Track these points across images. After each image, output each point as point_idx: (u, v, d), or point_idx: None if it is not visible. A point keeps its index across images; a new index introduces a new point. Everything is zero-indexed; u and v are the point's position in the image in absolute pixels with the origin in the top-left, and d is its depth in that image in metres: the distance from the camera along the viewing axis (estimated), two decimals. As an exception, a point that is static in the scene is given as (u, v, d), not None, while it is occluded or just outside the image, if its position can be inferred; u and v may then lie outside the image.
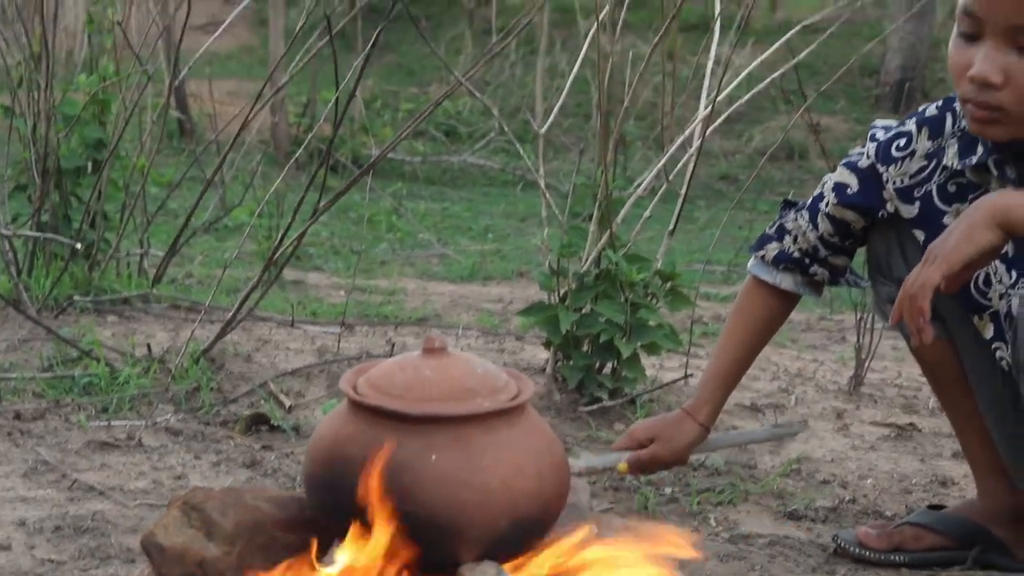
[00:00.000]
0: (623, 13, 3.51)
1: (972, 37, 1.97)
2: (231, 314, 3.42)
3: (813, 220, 2.33)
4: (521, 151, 3.90)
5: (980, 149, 2.11)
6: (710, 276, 6.53)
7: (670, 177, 3.48)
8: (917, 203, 2.21)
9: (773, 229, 2.40)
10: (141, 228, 4.47)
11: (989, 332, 2.17)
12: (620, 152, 9.32)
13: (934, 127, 2.21)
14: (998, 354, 2.17)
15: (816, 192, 2.35)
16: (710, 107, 3.36)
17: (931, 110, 2.24)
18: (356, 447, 1.69)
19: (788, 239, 2.36)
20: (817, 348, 4.55)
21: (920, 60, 12.21)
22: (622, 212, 3.37)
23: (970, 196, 2.11)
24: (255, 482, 2.58)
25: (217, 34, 4.59)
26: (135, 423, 2.89)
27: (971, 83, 1.96)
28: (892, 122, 2.33)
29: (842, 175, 2.31)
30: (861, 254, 2.43)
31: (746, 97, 3.68)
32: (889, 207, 2.25)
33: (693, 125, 3.48)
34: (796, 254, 2.35)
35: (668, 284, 3.27)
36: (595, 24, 3.36)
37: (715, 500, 2.67)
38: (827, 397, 3.65)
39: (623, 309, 3.17)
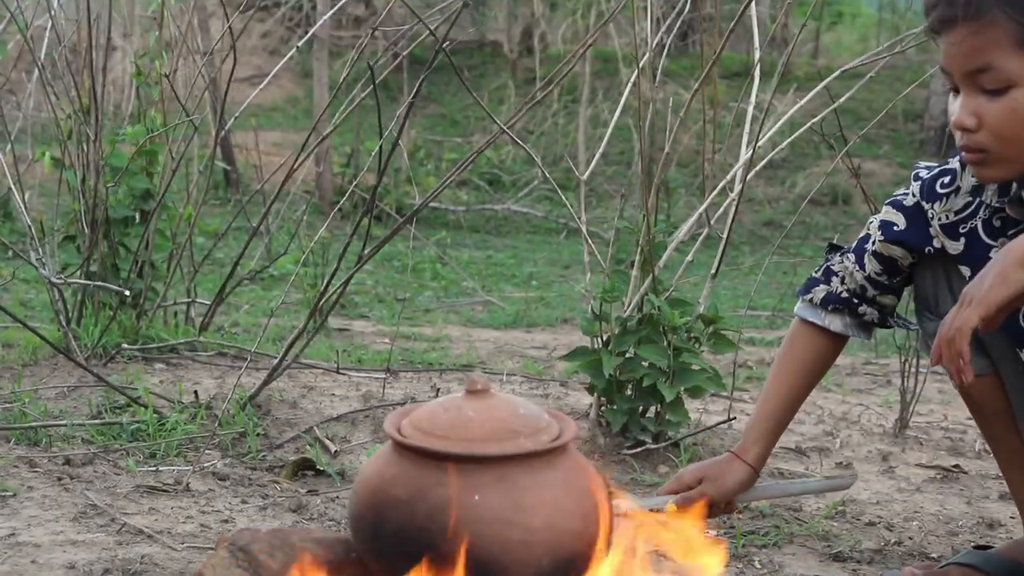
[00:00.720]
0: (662, 60, 3.54)
1: (954, 91, 2.04)
2: (277, 361, 3.45)
3: (860, 260, 2.34)
4: (563, 199, 3.92)
5: (1014, 184, 2.12)
6: (755, 321, 6.54)
7: (712, 222, 3.49)
8: (962, 239, 2.21)
9: (820, 272, 2.41)
10: (188, 277, 4.53)
11: None
12: (663, 199, 9.33)
13: None
14: None
15: (862, 234, 2.37)
16: (751, 152, 3.38)
17: None
18: (401, 488, 1.70)
19: (836, 280, 2.37)
20: (862, 392, 4.54)
21: (963, 104, 12.19)
22: (664, 257, 3.38)
23: (1011, 231, 2.13)
24: (301, 525, 2.60)
25: (263, 86, 4.66)
26: (182, 468, 2.92)
27: (956, 131, 2.04)
28: (935, 164, 2.34)
29: (888, 214, 2.32)
30: (908, 296, 2.44)
31: (786, 143, 3.70)
32: (936, 243, 2.26)
33: (734, 170, 3.50)
34: (844, 294, 2.36)
35: (711, 328, 3.28)
36: (635, 72, 3.39)
37: (760, 542, 2.66)
38: (872, 440, 3.64)
39: (666, 353, 3.18)
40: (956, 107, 2.03)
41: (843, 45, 19.20)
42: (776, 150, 3.76)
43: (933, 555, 2.66)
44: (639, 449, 3.22)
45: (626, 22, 10.70)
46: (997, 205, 2.15)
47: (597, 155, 3.73)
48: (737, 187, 3.42)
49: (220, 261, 6.84)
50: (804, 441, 3.59)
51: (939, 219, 2.24)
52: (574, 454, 1.80)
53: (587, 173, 3.65)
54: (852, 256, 2.36)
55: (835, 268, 2.38)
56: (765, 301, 7.27)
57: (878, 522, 2.87)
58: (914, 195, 2.29)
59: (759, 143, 3.40)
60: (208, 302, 4.39)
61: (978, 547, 2.47)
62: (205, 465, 2.96)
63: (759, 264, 9.37)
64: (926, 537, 2.79)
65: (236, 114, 4.64)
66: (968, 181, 2.21)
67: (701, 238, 3.49)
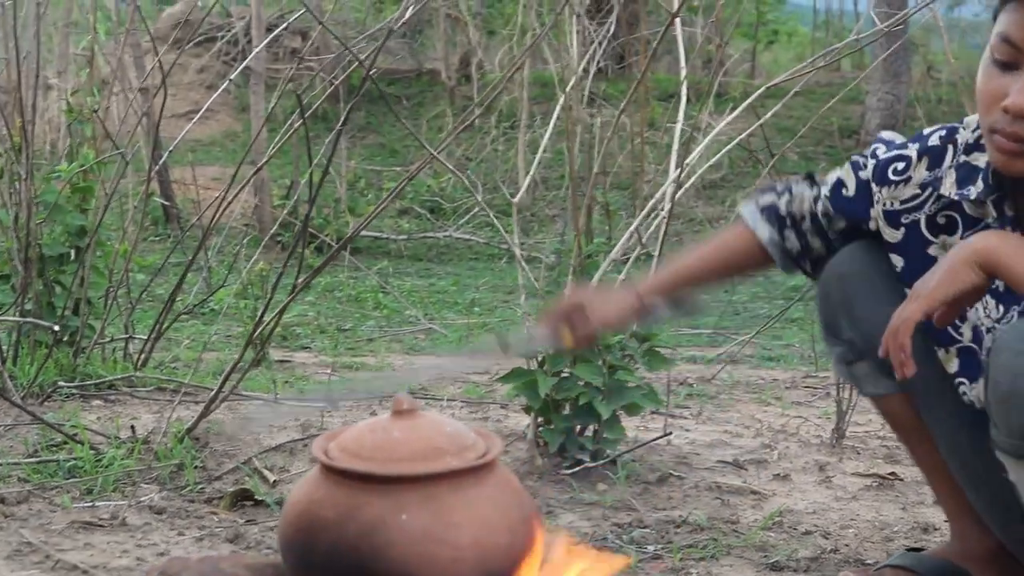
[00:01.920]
0: (588, 83, 3.58)
1: (1008, 66, 1.88)
2: (214, 393, 3.45)
3: (816, 196, 2.32)
4: (498, 224, 3.94)
5: (980, 184, 2.07)
6: (696, 339, 6.57)
7: (643, 240, 3.52)
8: (903, 229, 2.19)
9: (781, 186, 2.38)
10: (126, 313, 4.51)
11: (953, 367, 2.20)
12: (604, 220, 9.40)
13: (934, 158, 2.17)
14: (961, 389, 2.19)
15: (831, 176, 2.33)
16: (679, 171, 3.41)
17: (934, 139, 2.18)
18: (329, 510, 1.71)
19: (786, 197, 2.34)
20: (801, 404, 4.57)
21: (898, 119, 12.37)
22: (597, 276, 3.41)
23: (955, 233, 2.13)
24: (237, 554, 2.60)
25: (195, 120, 4.66)
26: (119, 503, 2.90)
27: (1004, 113, 1.88)
28: (897, 137, 2.29)
29: (847, 173, 2.29)
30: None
31: (714, 159, 3.75)
32: (872, 224, 2.25)
33: (662, 189, 3.53)
34: (783, 211, 2.34)
35: (645, 345, 3.30)
36: (563, 95, 3.42)
37: (698, 555, 2.67)
38: (810, 451, 3.67)
39: (601, 372, 3.20)
40: (1017, 88, 1.86)
41: (780, 64, 19.37)
42: (706, 166, 3.80)
43: (869, 561, 2.69)
44: (577, 468, 3.24)
45: (562, 47, 10.78)
46: (954, 198, 2.10)
47: (527, 179, 3.75)
48: (667, 205, 3.45)
49: (160, 297, 6.80)
50: (742, 454, 3.62)
51: (884, 204, 2.21)
52: (501, 471, 1.81)
53: (519, 196, 3.67)
54: (816, 188, 2.33)
55: (794, 189, 2.35)
56: (706, 319, 7.31)
57: (815, 531, 2.90)
58: (867, 172, 2.26)
59: (689, 162, 3.43)
60: (146, 337, 4.38)
61: (911, 549, 2.51)
62: (142, 499, 2.95)
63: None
64: (862, 544, 2.82)
65: (170, 148, 4.63)
66: (921, 174, 2.16)
67: (633, 257, 3.52)
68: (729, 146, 3.67)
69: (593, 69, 3.70)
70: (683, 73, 3.66)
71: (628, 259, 3.48)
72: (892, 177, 2.19)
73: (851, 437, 3.82)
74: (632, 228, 3.51)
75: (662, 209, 3.51)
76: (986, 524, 2.30)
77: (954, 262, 1.87)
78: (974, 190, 2.05)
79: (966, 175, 2.09)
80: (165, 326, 4.32)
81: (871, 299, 2.24)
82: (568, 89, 3.39)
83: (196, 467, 3.20)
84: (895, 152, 2.21)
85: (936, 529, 2.92)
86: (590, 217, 3.43)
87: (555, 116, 3.63)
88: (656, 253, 3.42)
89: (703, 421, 4.16)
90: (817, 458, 3.59)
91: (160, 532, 2.73)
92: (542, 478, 3.21)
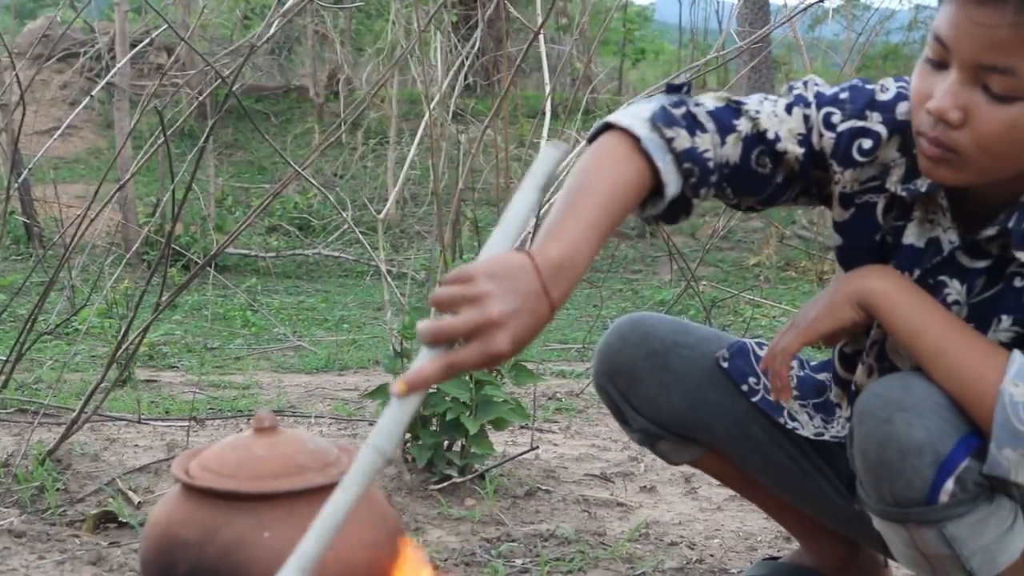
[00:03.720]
0: (454, 98, 3.59)
1: (939, 64, 1.71)
2: (76, 413, 3.39)
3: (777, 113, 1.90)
4: (364, 241, 3.93)
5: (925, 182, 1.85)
6: (566, 354, 6.61)
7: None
8: (854, 208, 1.94)
9: (681, 113, 1.83)
10: (-17, 334, 4.42)
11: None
12: (474, 236, 9.42)
13: (905, 138, 1.86)
14: (791, 425, 2.21)
15: (788, 94, 1.94)
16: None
17: (902, 110, 1.86)
18: (190, 530, 1.69)
19: (705, 139, 1.84)
20: (668, 417, 4.62)
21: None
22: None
23: (910, 216, 1.91)
24: (99, 578, 2.56)
25: (56, 136, 4.58)
26: (-23, 528, 2.85)
27: (927, 115, 1.71)
28: (827, 87, 1.94)
29: (831, 103, 1.91)
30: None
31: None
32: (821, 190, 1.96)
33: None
34: (707, 156, 1.83)
35: (512, 359, 3.31)
36: (428, 111, 3.43)
37: (565, 568, 2.69)
38: (676, 463, 3.71)
39: (468, 386, 3.20)
40: (940, 90, 1.69)
41: (647, 82, 19.59)
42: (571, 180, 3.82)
43: (733, 570, 2.73)
44: (445, 483, 3.24)
45: (428, 64, 10.79)
46: (900, 194, 1.87)
47: (393, 196, 3.76)
48: (532, 221, 3.47)
49: (21, 317, 6.68)
50: (609, 467, 3.65)
51: (843, 187, 1.92)
52: (364, 487, 1.81)
53: (384, 213, 3.67)
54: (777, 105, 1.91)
55: (708, 125, 1.85)
56: (576, 334, 7.37)
57: (680, 541, 2.93)
58: (826, 140, 1.89)
59: (557, 176, 3.45)
60: (5, 358, 4.29)
61: (768, 558, 2.55)
62: (1, 523, 2.89)
63: (571, 298, 9.50)
64: (727, 553, 2.86)
65: (29, 165, 4.55)
66: (890, 154, 1.88)
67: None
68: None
69: (459, 85, 3.70)
70: (547, 89, 3.70)
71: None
72: (857, 158, 1.88)
73: (716, 448, 3.87)
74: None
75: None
76: (837, 533, 2.34)
77: (835, 297, 1.87)
78: (924, 185, 1.84)
79: (914, 165, 1.85)
80: (26, 347, 4.23)
81: (646, 386, 2.22)
82: (432, 105, 3.40)
83: (58, 489, 3.15)
84: (860, 125, 1.88)
85: (798, 537, 2.97)
86: (458, 233, 3.42)
87: (420, 132, 3.65)
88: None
89: (571, 435, 4.19)
90: (683, 470, 3.62)
91: (20, 556, 2.68)
92: (411, 494, 3.20)
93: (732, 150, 1.86)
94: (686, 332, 2.26)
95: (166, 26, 4.10)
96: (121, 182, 4.53)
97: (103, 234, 8.82)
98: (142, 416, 3.98)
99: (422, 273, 3.97)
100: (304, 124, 14.49)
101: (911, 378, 1.81)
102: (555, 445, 3.96)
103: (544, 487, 3.35)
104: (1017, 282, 1.81)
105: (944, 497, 1.75)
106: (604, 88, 15.68)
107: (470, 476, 3.28)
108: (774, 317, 8.00)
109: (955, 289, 1.86)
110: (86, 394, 3.45)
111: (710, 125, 1.84)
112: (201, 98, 4.29)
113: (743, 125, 1.87)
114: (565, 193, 1.72)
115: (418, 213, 11.99)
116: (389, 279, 3.50)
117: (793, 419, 2.20)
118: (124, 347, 3.44)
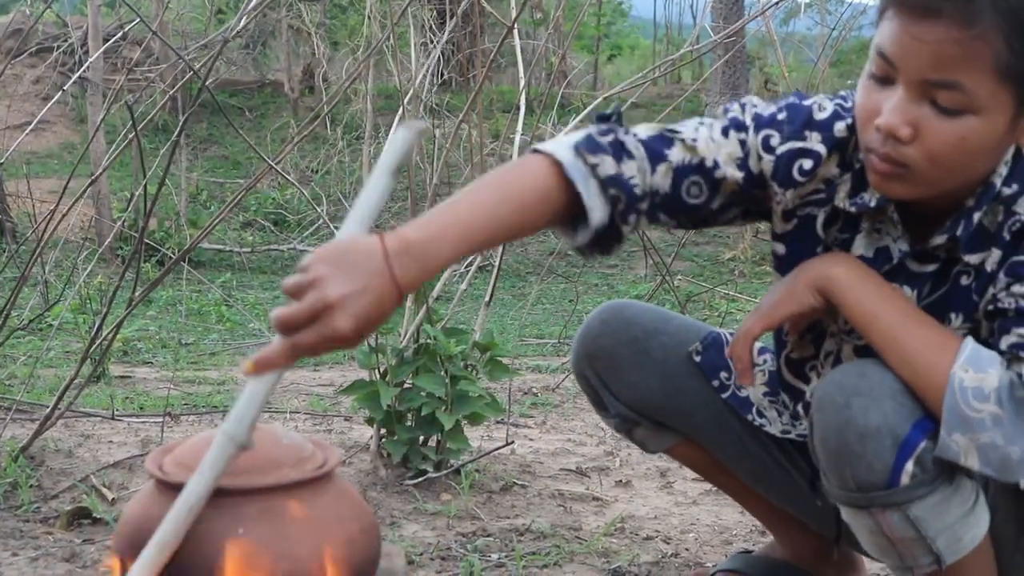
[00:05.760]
0: (430, 92, 3.58)
1: (884, 80, 1.72)
2: (49, 410, 3.37)
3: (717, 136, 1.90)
4: (337, 235, 3.90)
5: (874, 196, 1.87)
6: (541, 348, 6.62)
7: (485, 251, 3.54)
8: (795, 221, 1.96)
9: (608, 140, 1.81)
10: (-43, 330, 4.39)
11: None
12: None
13: (844, 154, 1.89)
14: (759, 422, 2.24)
15: (724, 117, 1.94)
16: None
17: (840, 128, 1.88)
18: (164, 525, 1.69)
19: (632, 165, 1.82)
20: (643, 412, 4.62)
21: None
22: (437, 287, 3.41)
23: (852, 231, 1.93)
24: (73, 575, 2.55)
25: (28, 131, 4.56)
26: (-51, 525, 2.83)
27: (876, 132, 1.73)
28: (764, 107, 1.93)
29: (768, 126, 1.91)
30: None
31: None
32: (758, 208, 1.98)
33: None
34: (637, 190, 1.82)
35: (487, 355, 3.32)
36: (402, 105, 3.42)
37: (541, 562, 2.69)
38: (651, 458, 3.72)
39: (443, 382, 3.20)
40: (888, 106, 1.70)
41: (622, 76, 19.59)
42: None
43: (708, 564, 2.73)
44: (421, 478, 3.24)
45: (406, 59, 10.78)
46: (849, 209, 1.89)
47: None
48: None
49: (-6, 314, 6.64)
50: (585, 462, 3.65)
51: (784, 205, 1.94)
52: (339, 482, 1.80)
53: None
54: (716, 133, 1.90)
55: (667, 152, 1.85)
56: (552, 329, 7.37)
57: (656, 536, 2.94)
58: (764, 162, 1.90)
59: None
60: (-22, 354, 4.27)
61: (742, 552, 2.56)
62: (-27, 520, 2.88)
63: (546, 294, 9.51)
64: (702, 547, 2.87)
65: (1, 160, 4.52)
66: (830, 171, 1.90)
67: (474, 267, 3.53)
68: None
69: (435, 80, 3.69)
70: (522, 83, 3.69)
71: (469, 270, 3.49)
72: (798, 178, 1.89)
73: (691, 443, 3.88)
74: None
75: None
76: (807, 524, 2.35)
77: (796, 283, 1.90)
78: (872, 199, 1.86)
79: (861, 180, 1.88)
80: (-1, 343, 4.22)
81: (626, 371, 2.25)
82: (407, 99, 3.39)
83: (31, 486, 3.13)
84: (800, 147, 1.88)
85: (773, 531, 2.98)
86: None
87: (394, 126, 3.63)
88: (496, 264, 3.43)
89: (547, 430, 4.19)
90: (658, 464, 3.63)
91: (-8, 553, 2.67)
92: (386, 489, 3.20)
93: (663, 180, 1.85)
94: (667, 320, 2.29)
95: (136, 20, 4.08)
96: (93, 176, 4.51)
97: (76, 229, 8.78)
98: (116, 412, 3.96)
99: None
100: (280, 119, 14.45)
101: (866, 365, 1.84)
102: (531, 440, 3.96)
103: (520, 482, 3.35)
104: (963, 280, 1.86)
105: (905, 479, 1.77)
106: (579, 83, 15.70)
107: (445, 471, 3.28)
108: (749, 311, 8.02)
109: (906, 294, 1.89)
110: (60, 390, 3.43)
111: (639, 152, 1.83)
112: (171, 92, 4.28)
113: (675, 155, 1.86)
114: (463, 189, 1.72)
115: (393, 208, 11.97)
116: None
117: (761, 415, 2.23)
118: (98, 343, 3.42)
